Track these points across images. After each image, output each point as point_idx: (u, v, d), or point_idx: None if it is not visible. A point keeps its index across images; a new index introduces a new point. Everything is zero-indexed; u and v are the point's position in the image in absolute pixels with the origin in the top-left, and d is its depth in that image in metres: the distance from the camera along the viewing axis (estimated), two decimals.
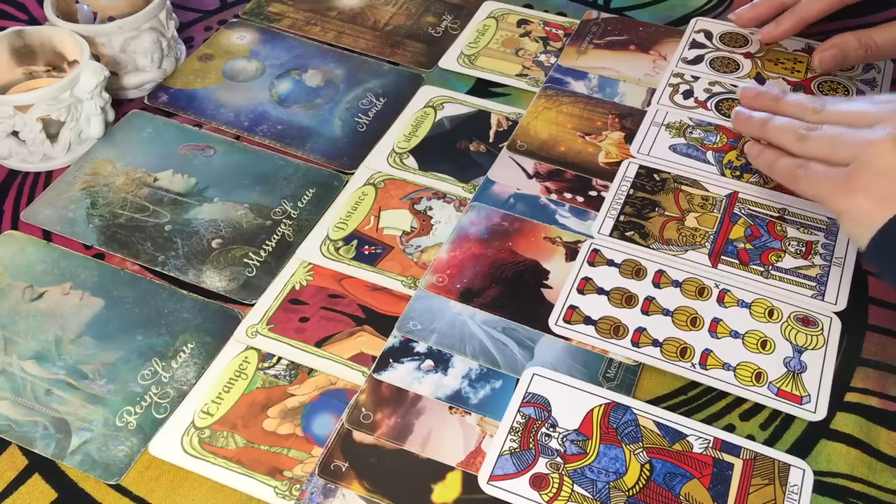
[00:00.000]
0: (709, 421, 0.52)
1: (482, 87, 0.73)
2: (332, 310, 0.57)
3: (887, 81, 0.71)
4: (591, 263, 0.59)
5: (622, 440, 0.51)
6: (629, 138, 0.67)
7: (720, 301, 0.57)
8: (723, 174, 0.64)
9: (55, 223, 0.63)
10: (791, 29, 0.71)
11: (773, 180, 0.62)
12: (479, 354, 0.55)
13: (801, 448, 0.51)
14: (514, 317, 0.57)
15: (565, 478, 0.49)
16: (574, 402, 0.52)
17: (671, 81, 0.72)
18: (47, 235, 0.62)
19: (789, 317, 0.56)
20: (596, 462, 0.50)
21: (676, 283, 0.58)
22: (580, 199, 0.63)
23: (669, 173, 0.65)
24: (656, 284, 0.58)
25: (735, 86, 0.71)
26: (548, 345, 0.55)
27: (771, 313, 0.56)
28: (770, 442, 0.51)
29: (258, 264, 0.60)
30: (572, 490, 0.49)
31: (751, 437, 0.51)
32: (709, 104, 0.70)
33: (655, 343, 0.55)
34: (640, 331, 0.56)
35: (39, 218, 0.63)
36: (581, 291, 0.58)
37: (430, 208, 0.63)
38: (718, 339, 0.55)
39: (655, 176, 0.65)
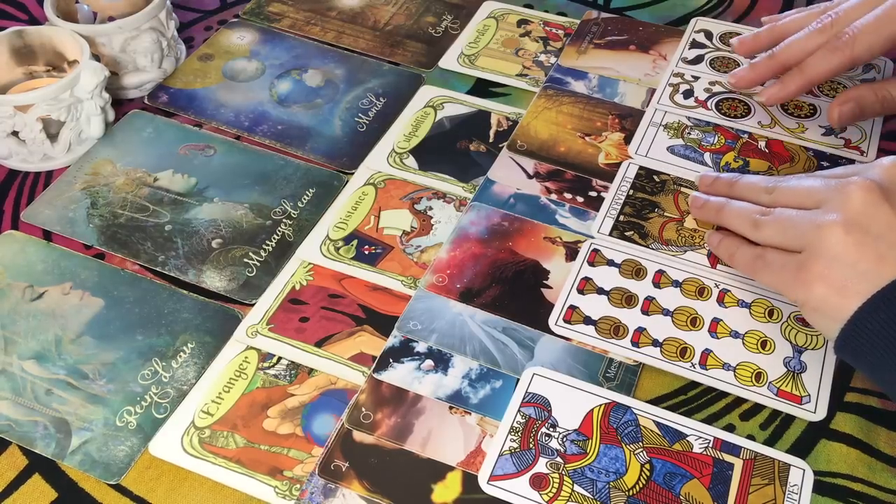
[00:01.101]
0: (709, 421, 0.52)
1: (482, 87, 0.73)
2: (332, 310, 0.57)
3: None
4: (591, 263, 0.59)
5: (622, 440, 0.51)
6: (629, 139, 0.67)
7: (720, 301, 0.57)
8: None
9: (55, 223, 0.63)
10: (798, 91, 0.65)
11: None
12: (479, 354, 0.55)
13: (801, 448, 0.51)
14: (514, 317, 0.57)
15: (565, 478, 0.49)
16: (574, 402, 0.52)
17: (671, 81, 0.72)
18: (47, 235, 0.62)
19: (789, 317, 0.56)
20: (596, 462, 0.50)
21: (676, 283, 0.58)
22: (580, 199, 0.63)
23: (669, 175, 0.65)
24: (656, 284, 0.58)
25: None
26: (548, 345, 0.55)
27: (771, 313, 0.56)
28: (770, 442, 0.51)
29: (258, 264, 0.60)
30: (572, 490, 0.49)
31: (751, 437, 0.51)
32: (709, 104, 0.70)
33: (655, 343, 0.55)
34: (640, 331, 0.56)
35: (39, 218, 0.63)
36: (581, 291, 0.58)
37: (430, 208, 0.63)
38: (718, 339, 0.55)
39: (655, 177, 0.65)
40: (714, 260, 0.59)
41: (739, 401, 0.53)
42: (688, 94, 0.71)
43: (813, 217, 0.51)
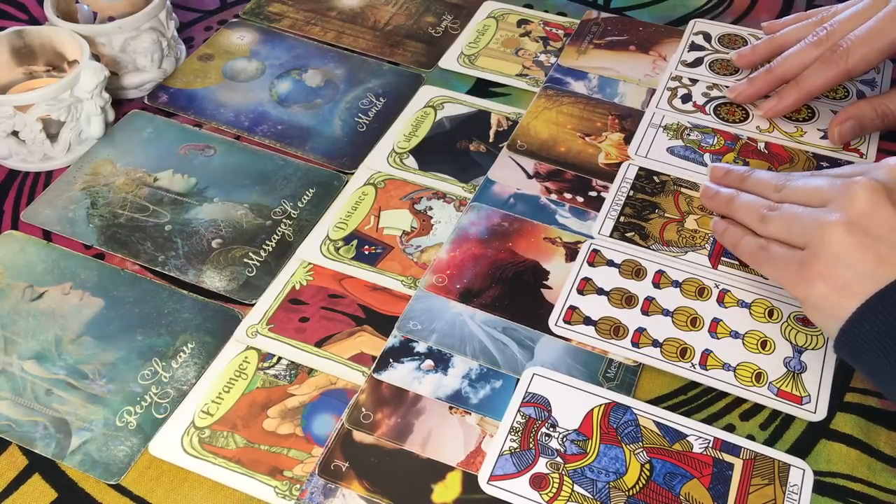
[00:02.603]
0: (709, 421, 0.52)
1: (482, 87, 0.73)
2: (332, 310, 0.57)
3: (886, 81, 0.71)
4: (591, 264, 0.59)
5: (622, 440, 0.51)
6: (629, 140, 0.67)
7: (720, 301, 0.57)
8: None
9: (55, 223, 0.63)
10: (795, 104, 0.66)
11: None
12: (479, 354, 0.55)
13: (801, 448, 0.51)
14: (514, 317, 0.57)
15: (565, 478, 0.49)
16: (574, 402, 0.52)
17: (669, 85, 0.72)
18: (47, 235, 0.62)
19: (789, 317, 0.56)
20: (596, 462, 0.50)
21: (676, 284, 0.58)
22: (580, 199, 0.63)
23: (669, 175, 0.65)
24: (656, 285, 0.58)
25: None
26: (548, 345, 0.55)
27: (771, 313, 0.57)
28: (770, 442, 0.51)
29: (258, 264, 0.60)
30: (572, 490, 0.49)
31: (751, 437, 0.51)
32: (707, 108, 0.70)
33: (655, 343, 0.55)
34: (640, 331, 0.56)
35: (39, 218, 0.63)
36: (581, 292, 0.58)
37: (430, 208, 0.63)
38: (718, 339, 0.55)
39: (655, 178, 0.65)
40: (714, 260, 0.59)
41: (739, 401, 0.53)
42: (686, 98, 0.71)
43: (817, 215, 0.52)
